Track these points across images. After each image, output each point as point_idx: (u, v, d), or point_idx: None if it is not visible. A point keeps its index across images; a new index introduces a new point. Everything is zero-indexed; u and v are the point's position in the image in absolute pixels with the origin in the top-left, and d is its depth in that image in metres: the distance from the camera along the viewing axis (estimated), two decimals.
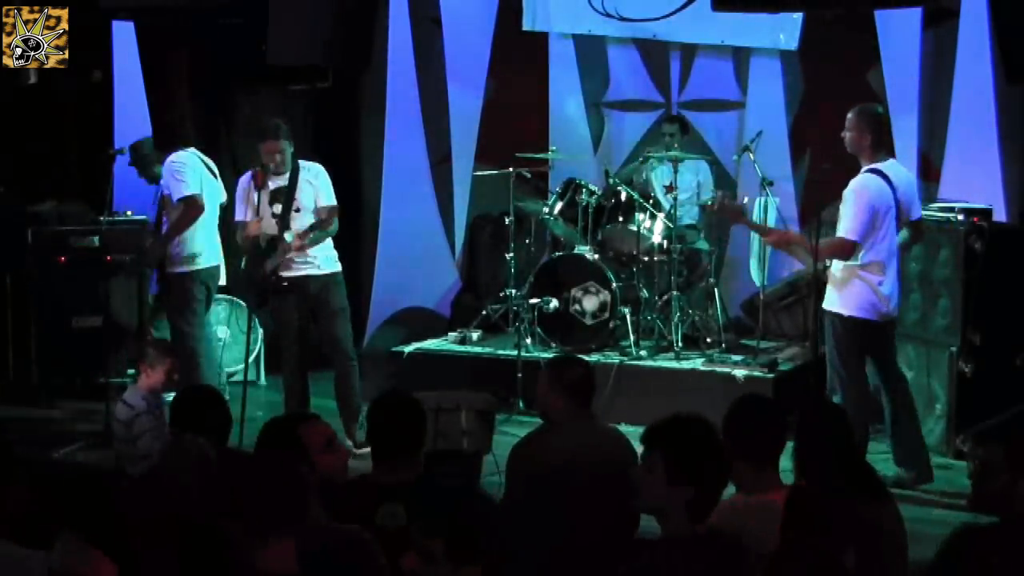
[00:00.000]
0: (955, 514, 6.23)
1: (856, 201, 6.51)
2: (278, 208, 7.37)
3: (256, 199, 7.37)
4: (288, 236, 7.34)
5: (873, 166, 6.58)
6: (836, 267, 6.64)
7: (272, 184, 7.39)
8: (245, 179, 7.47)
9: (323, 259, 7.45)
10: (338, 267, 7.54)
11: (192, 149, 7.99)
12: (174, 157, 7.81)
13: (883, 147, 6.66)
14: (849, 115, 6.68)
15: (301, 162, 7.47)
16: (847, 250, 6.52)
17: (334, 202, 7.48)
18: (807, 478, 4.21)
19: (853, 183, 6.58)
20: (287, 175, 7.39)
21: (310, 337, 7.59)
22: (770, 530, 3.59)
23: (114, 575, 3.19)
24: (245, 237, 7.46)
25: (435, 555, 3.27)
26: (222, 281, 8.15)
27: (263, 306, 7.77)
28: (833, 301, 6.65)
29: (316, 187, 7.43)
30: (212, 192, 8.00)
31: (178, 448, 4.17)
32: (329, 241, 7.48)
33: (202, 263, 7.82)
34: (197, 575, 3.51)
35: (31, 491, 3.65)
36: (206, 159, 8.04)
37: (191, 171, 7.78)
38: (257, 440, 4.19)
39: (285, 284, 7.39)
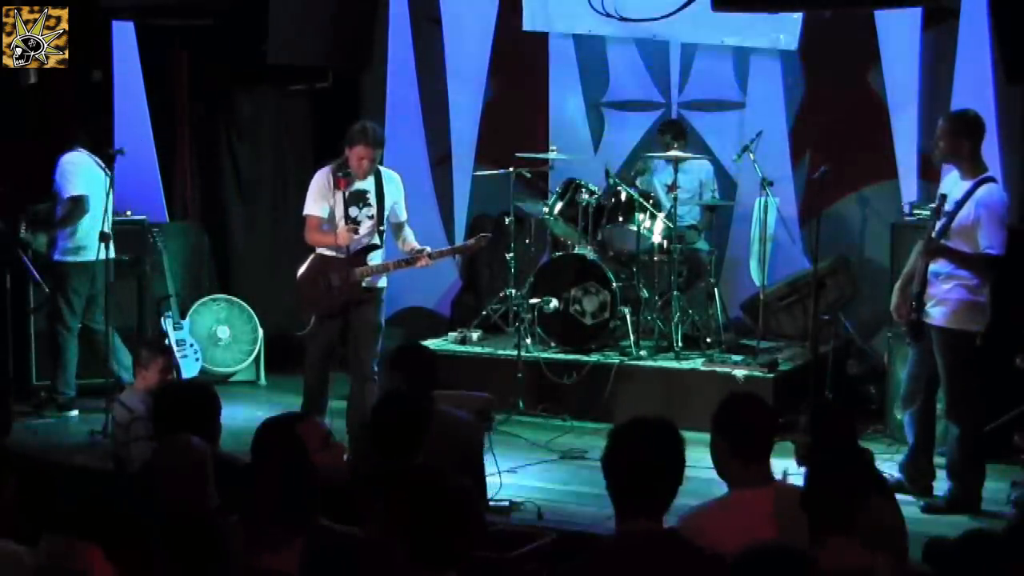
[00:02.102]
0: (955, 516, 6.24)
1: (997, 212, 6.26)
2: (353, 211, 7.10)
3: (333, 199, 7.08)
4: (370, 255, 7.10)
5: (991, 175, 6.39)
6: (964, 281, 6.36)
7: (351, 187, 7.10)
8: (323, 174, 7.16)
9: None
10: (386, 282, 7.33)
11: (82, 150, 8.37)
12: (67, 157, 8.33)
13: (980, 154, 6.40)
14: (940, 122, 6.47)
15: (380, 168, 7.25)
16: (995, 265, 6.28)
17: (406, 215, 7.32)
18: (812, 474, 4.25)
19: (988, 193, 6.29)
20: (369, 179, 7.13)
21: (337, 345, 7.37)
22: (760, 524, 3.60)
23: (110, 571, 3.17)
24: (329, 243, 7.07)
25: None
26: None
27: (334, 317, 7.14)
28: (962, 318, 6.38)
29: (395, 199, 7.21)
30: (102, 192, 8.26)
31: (173, 448, 4.16)
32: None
33: (87, 256, 8.27)
34: (197, 575, 3.50)
35: (29, 490, 3.64)
36: (97, 159, 8.40)
37: (81, 172, 8.30)
38: (254, 440, 4.17)
39: (366, 294, 7.13)
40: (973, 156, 6.37)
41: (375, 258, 7.16)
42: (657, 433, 3.52)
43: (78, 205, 8.23)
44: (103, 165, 8.40)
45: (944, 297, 6.40)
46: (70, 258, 8.30)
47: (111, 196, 8.07)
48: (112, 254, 8.15)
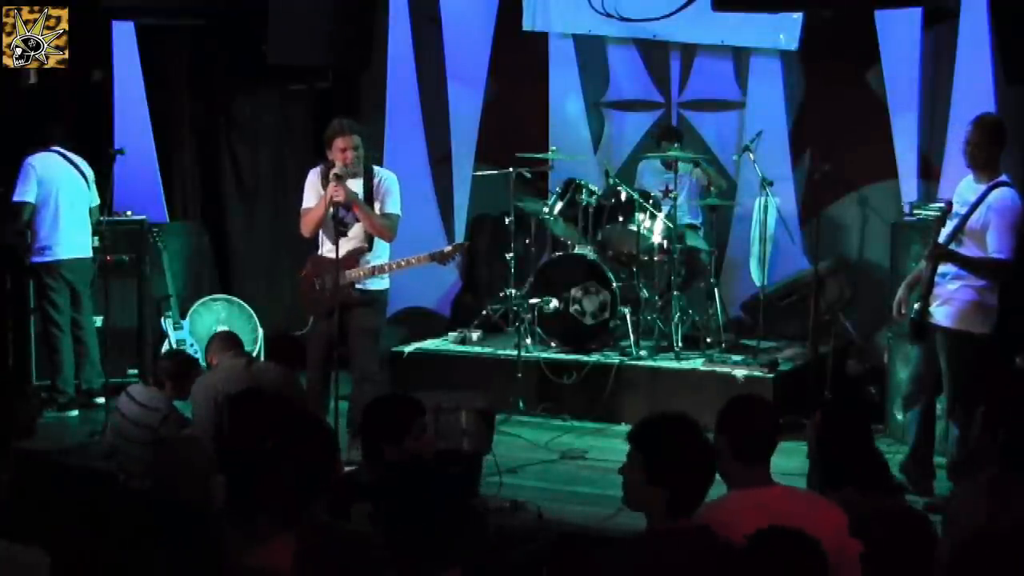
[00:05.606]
0: None
1: (1008, 218, 6.25)
2: (342, 212, 6.97)
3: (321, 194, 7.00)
4: (362, 258, 7.01)
5: (1007, 179, 6.35)
6: (971, 282, 6.35)
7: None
8: (314, 172, 7.10)
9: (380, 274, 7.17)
10: (387, 284, 7.25)
11: (54, 150, 8.37)
12: (31, 159, 8.32)
13: (998, 159, 6.37)
14: (969, 126, 6.41)
15: (376, 168, 7.17)
16: (1006, 270, 6.27)
17: (398, 211, 7.12)
18: (825, 469, 4.32)
19: (1001, 198, 6.27)
20: (359, 180, 7.05)
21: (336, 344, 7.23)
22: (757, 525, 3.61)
23: None
24: (308, 222, 7.06)
25: None
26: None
27: (330, 317, 7.03)
28: (967, 319, 6.37)
29: (382, 192, 7.06)
30: (75, 190, 8.36)
31: (173, 448, 4.16)
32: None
33: (54, 255, 8.32)
34: (194, 572, 3.50)
35: (27, 488, 3.64)
36: (73, 157, 8.41)
37: (36, 177, 8.26)
38: (251, 439, 4.18)
39: (360, 296, 7.05)
40: (990, 160, 6.35)
41: (370, 260, 7.10)
42: (685, 429, 3.60)
43: (19, 210, 8.21)
44: (79, 165, 8.41)
45: (950, 297, 6.39)
46: (36, 259, 8.33)
47: (110, 194, 8.07)
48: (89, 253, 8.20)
